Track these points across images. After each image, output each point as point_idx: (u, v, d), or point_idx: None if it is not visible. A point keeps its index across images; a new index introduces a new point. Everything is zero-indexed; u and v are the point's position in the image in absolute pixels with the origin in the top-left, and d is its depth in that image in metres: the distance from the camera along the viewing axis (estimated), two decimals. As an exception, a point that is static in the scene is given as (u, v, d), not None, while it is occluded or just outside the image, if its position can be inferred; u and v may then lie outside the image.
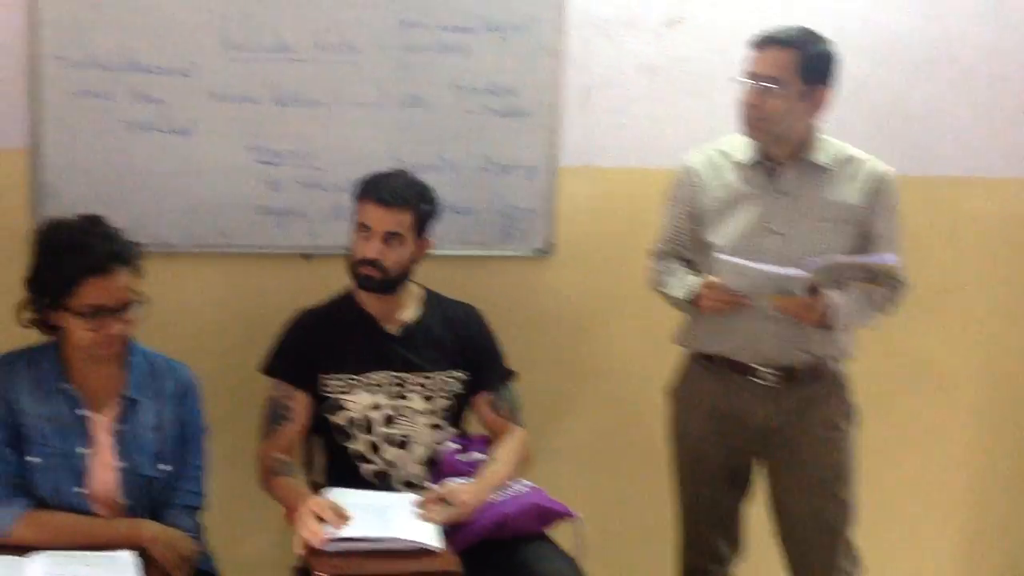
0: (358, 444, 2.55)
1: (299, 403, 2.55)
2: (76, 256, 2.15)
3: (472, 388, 2.65)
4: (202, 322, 2.87)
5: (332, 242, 2.82)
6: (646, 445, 3.04)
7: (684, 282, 2.63)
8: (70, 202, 2.63)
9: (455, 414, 2.64)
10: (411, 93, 2.91)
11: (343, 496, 2.37)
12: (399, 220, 2.50)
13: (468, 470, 2.52)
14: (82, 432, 2.22)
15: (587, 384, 3.18)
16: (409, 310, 2.64)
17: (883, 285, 2.58)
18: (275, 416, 2.54)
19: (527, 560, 2.37)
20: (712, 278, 2.54)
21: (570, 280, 3.09)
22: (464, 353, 2.64)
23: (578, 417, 3.20)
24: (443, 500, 2.38)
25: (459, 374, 2.63)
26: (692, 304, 2.60)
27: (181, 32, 2.73)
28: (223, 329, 2.88)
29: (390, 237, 2.50)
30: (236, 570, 2.54)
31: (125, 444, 2.24)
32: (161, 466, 2.27)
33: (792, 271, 2.41)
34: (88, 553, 2.11)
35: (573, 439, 3.18)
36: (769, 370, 2.61)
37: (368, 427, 2.55)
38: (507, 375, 2.72)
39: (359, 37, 2.84)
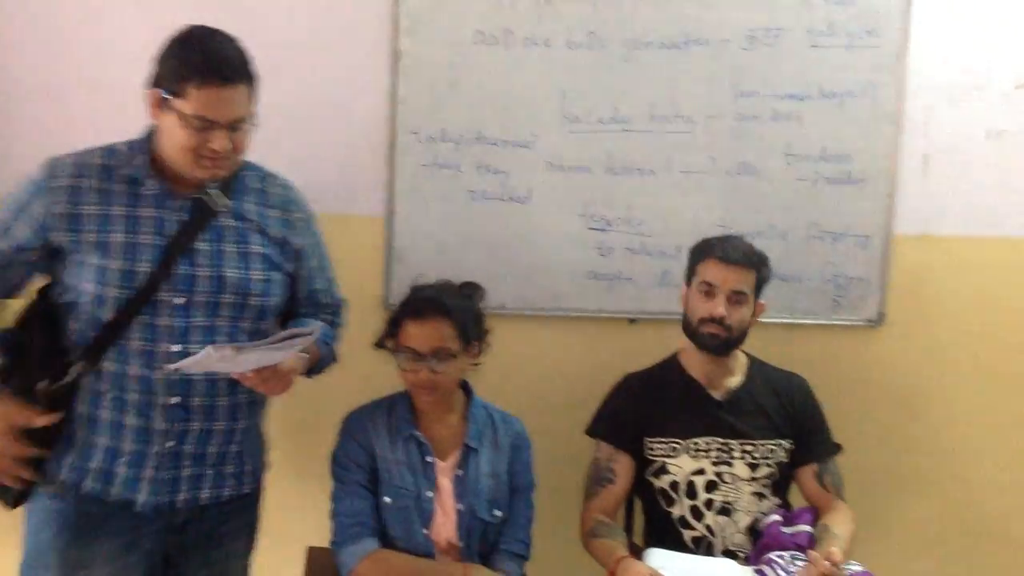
0: (680, 509, 2.56)
1: (623, 466, 2.59)
2: (406, 300, 2.37)
3: (796, 458, 2.60)
4: (532, 381, 2.98)
5: (657, 307, 2.87)
6: (986, 530, 2.84)
7: None
8: (416, 266, 2.84)
9: (779, 484, 2.59)
10: (742, 161, 2.92)
11: (665, 559, 2.37)
12: (745, 279, 2.51)
13: (792, 543, 2.46)
14: (430, 477, 2.37)
15: (920, 462, 3.02)
16: (735, 377, 2.63)
17: None
18: (599, 477, 2.59)
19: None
20: None
21: (903, 352, 2.96)
22: (790, 422, 2.60)
23: (910, 496, 3.03)
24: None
25: (784, 443, 2.58)
26: None
27: (525, 107, 2.90)
28: (551, 389, 2.99)
29: (736, 296, 2.51)
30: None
31: (463, 488, 2.37)
32: (495, 512, 2.38)
33: None
34: None
35: (904, 520, 3.02)
36: None
37: (691, 492, 2.56)
38: (833, 448, 2.64)
39: (693, 108, 2.90)
